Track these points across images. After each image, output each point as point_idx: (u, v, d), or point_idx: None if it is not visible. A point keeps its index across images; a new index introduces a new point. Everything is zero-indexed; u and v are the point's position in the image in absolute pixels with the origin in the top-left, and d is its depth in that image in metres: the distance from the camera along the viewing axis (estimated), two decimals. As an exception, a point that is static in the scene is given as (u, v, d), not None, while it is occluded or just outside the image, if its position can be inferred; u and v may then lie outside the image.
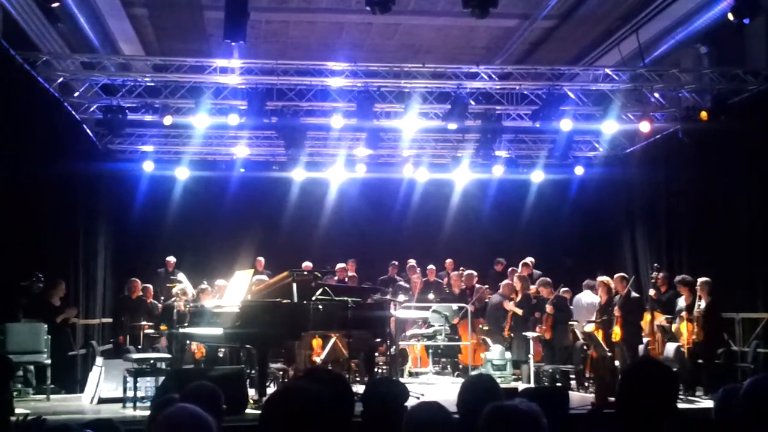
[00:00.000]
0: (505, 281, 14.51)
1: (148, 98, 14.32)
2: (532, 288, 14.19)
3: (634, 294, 12.50)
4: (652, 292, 13.14)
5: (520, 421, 3.14)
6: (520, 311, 13.73)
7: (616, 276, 12.57)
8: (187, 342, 12.55)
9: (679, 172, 15.11)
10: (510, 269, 15.32)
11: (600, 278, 12.89)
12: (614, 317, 12.10)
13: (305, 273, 10.97)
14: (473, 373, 12.90)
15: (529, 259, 15.63)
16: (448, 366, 15.05)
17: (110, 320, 15.33)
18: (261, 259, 15.85)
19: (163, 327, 13.66)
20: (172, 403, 3.81)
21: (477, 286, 15.19)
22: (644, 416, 3.31)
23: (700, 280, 12.06)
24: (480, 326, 14.48)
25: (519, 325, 13.69)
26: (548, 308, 13.16)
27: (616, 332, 12.04)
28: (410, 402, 4.23)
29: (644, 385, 3.37)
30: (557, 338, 13.10)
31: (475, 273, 15.58)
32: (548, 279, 13.69)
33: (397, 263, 16.28)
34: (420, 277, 15.67)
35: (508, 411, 3.19)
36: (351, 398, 4.09)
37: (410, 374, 14.04)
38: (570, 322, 13.35)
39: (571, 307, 13.80)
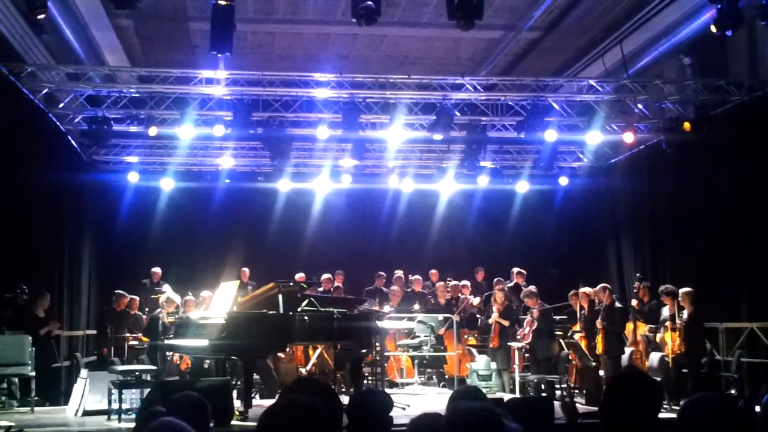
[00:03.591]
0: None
1: (134, 109, 14.32)
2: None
3: (617, 304, 12.55)
4: (634, 302, 13.20)
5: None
6: (506, 322, 13.71)
7: (599, 286, 12.61)
8: (170, 353, 12.52)
9: (662, 182, 15.18)
10: (495, 280, 15.36)
11: (582, 289, 12.96)
12: (597, 329, 12.15)
13: (291, 284, 10.93)
14: (460, 384, 12.92)
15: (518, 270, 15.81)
16: (434, 376, 15.05)
17: (94, 332, 15.25)
18: (246, 270, 15.84)
19: (144, 339, 13.60)
20: (157, 416, 3.80)
21: (461, 296, 15.21)
22: (627, 428, 3.30)
23: (682, 290, 12.11)
24: (465, 336, 14.49)
25: (506, 335, 13.70)
26: (534, 313, 13.20)
27: (599, 342, 12.09)
28: (399, 412, 4.24)
29: (628, 397, 3.36)
30: (540, 348, 13.13)
31: (462, 283, 15.59)
32: (533, 290, 13.72)
33: (384, 274, 16.27)
34: (401, 288, 15.60)
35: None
36: (339, 409, 4.09)
37: (394, 385, 14.03)
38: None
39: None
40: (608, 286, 12.71)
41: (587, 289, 12.82)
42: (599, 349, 12.08)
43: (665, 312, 12.42)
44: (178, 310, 13.09)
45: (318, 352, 12.86)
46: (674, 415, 3.49)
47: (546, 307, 13.59)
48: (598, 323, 12.09)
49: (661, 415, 3.51)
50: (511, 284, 15.42)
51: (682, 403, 3.41)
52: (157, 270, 15.98)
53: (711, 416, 3.14)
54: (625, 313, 12.71)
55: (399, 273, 16.18)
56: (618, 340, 12.25)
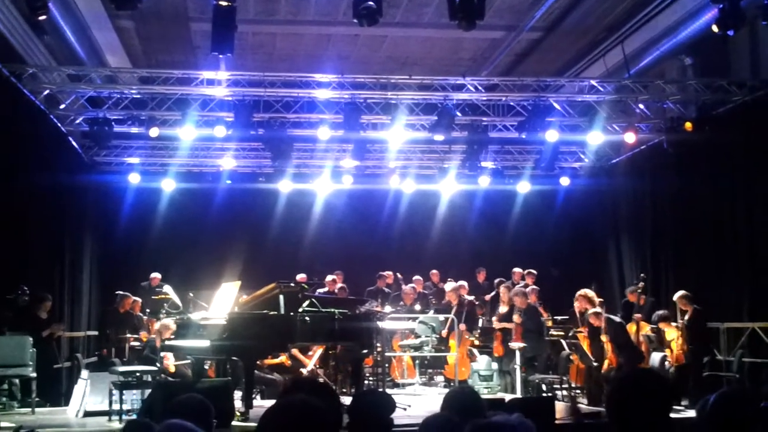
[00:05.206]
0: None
1: (135, 110, 14.31)
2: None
3: (613, 318, 12.37)
4: (639, 299, 13.22)
5: None
6: (510, 325, 13.65)
7: (590, 311, 12.35)
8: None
9: (664, 182, 15.17)
10: (497, 280, 15.33)
11: (581, 291, 12.93)
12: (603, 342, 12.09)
13: (292, 284, 10.92)
14: (455, 385, 12.91)
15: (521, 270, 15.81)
16: (435, 377, 15.02)
17: (95, 333, 15.24)
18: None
19: (144, 338, 13.54)
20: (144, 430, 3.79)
21: (467, 297, 15.16)
22: (638, 427, 3.27)
23: (676, 295, 12.17)
24: (466, 337, 14.46)
25: (509, 340, 13.67)
26: (515, 318, 13.22)
27: (609, 354, 11.98)
28: (400, 413, 4.24)
29: (639, 395, 3.32)
30: (528, 348, 13.12)
31: (459, 284, 15.53)
32: (523, 289, 13.73)
33: (384, 274, 16.24)
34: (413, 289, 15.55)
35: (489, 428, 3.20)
36: (339, 409, 4.08)
37: (396, 385, 14.00)
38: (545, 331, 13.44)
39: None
40: (599, 310, 12.32)
41: (584, 291, 12.82)
42: (614, 363, 12.01)
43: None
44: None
45: (319, 352, 12.84)
46: (676, 415, 3.48)
47: (531, 305, 13.58)
48: (605, 339, 12.00)
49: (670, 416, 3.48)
50: (521, 285, 15.30)
51: (712, 397, 3.41)
52: (156, 275, 15.79)
53: (741, 410, 3.16)
54: (620, 324, 12.60)
55: (398, 275, 16.25)
56: (631, 348, 12.15)
